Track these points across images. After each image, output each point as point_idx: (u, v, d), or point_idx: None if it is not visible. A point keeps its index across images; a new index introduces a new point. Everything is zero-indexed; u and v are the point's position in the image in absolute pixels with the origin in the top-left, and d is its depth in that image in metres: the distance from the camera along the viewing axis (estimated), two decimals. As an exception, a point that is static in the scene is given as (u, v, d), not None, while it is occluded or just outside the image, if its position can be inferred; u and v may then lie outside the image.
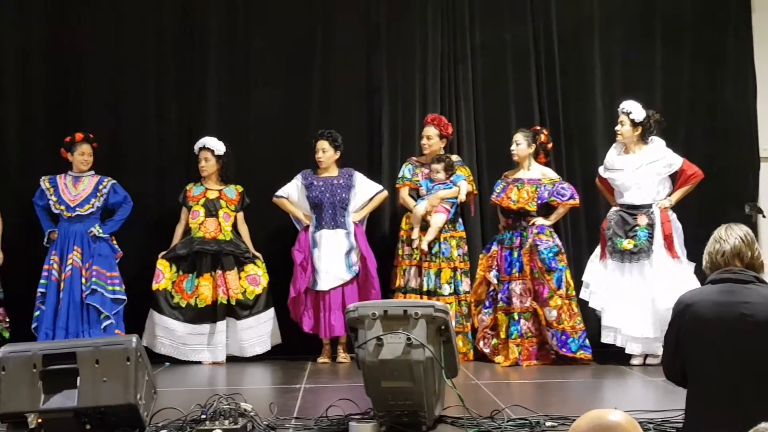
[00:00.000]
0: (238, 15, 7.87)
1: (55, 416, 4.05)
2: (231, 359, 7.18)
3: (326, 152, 7.22)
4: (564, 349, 6.78)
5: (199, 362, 7.10)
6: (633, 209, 6.84)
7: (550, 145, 7.29)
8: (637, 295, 6.70)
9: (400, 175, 7.37)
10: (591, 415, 2.32)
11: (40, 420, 4.05)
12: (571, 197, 7.06)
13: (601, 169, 7.09)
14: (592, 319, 7.07)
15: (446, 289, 7.02)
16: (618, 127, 6.91)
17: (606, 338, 6.82)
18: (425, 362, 4.23)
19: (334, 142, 7.22)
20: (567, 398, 5.80)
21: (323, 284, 7.09)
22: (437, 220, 7.08)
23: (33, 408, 4.04)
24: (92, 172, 7.25)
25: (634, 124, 6.84)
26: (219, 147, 7.33)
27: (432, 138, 7.23)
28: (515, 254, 6.94)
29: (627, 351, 6.74)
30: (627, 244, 6.76)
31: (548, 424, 4.46)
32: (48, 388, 4.07)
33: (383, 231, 7.68)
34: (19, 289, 7.14)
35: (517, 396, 5.71)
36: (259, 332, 7.23)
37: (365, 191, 7.30)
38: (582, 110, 7.82)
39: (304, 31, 7.83)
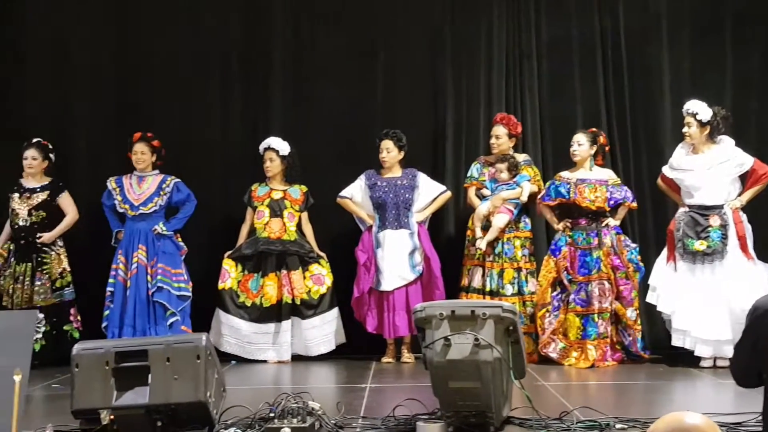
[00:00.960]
0: (302, 16, 7.91)
1: (127, 413, 4.09)
2: (296, 358, 7.22)
3: (390, 152, 7.22)
4: (634, 348, 6.80)
5: (265, 361, 7.16)
6: (704, 210, 6.72)
7: (608, 148, 7.25)
8: (711, 297, 6.58)
9: (468, 174, 7.35)
10: (669, 418, 2.29)
11: (112, 416, 4.10)
12: (633, 200, 7.05)
13: (666, 169, 6.97)
14: (657, 322, 6.97)
15: (509, 290, 6.97)
16: (685, 129, 6.79)
17: (677, 341, 6.71)
18: (493, 363, 4.20)
19: (398, 142, 7.22)
20: (636, 400, 5.72)
21: (387, 284, 7.09)
22: (499, 220, 7.03)
23: (106, 404, 4.09)
24: (156, 172, 7.34)
25: (702, 124, 6.72)
26: (284, 147, 7.37)
27: (501, 137, 7.20)
28: (594, 254, 6.88)
29: (696, 353, 6.62)
30: (699, 245, 6.65)
31: (618, 426, 4.40)
32: (120, 385, 4.12)
33: (449, 231, 7.67)
34: (90, 288, 7.27)
35: (585, 398, 5.63)
36: (323, 332, 7.26)
37: (429, 191, 7.28)
38: (650, 110, 7.71)
39: (369, 31, 7.85)
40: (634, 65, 7.73)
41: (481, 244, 6.98)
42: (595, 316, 6.79)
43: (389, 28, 7.85)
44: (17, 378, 3.30)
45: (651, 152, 7.62)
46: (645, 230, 7.59)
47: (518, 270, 7.05)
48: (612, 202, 6.94)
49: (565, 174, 7.07)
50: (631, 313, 6.79)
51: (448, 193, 7.34)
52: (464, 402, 4.26)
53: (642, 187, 7.37)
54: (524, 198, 7.09)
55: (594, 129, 7.19)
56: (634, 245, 6.93)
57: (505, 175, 7.11)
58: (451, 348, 4.20)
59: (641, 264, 6.89)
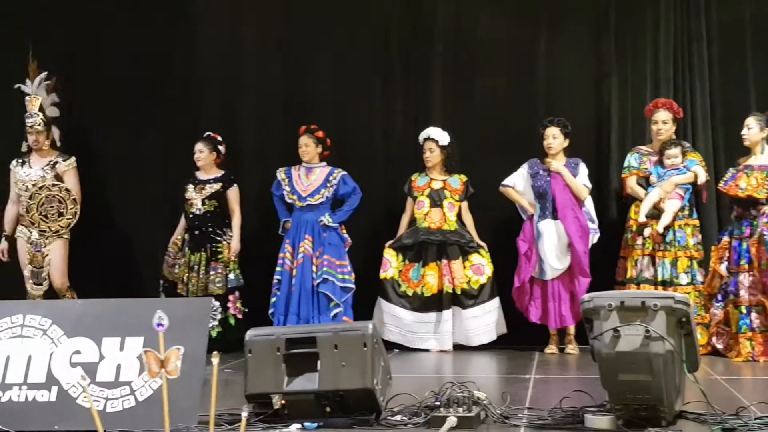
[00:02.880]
0: (461, 4, 7.89)
1: (298, 398, 4.21)
2: (457, 348, 7.23)
3: (557, 138, 7.09)
4: None
5: (427, 350, 7.19)
6: None
7: (786, 131, 6.91)
8: None
9: (626, 164, 7.16)
10: None
11: (283, 401, 4.21)
12: None
13: None
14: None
15: (683, 279, 6.78)
16: None
17: None
18: (665, 355, 4.07)
19: (564, 129, 7.09)
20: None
21: (551, 274, 7.00)
22: (672, 205, 6.83)
23: (277, 389, 4.22)
24: (324, 164, 7.47)
25: None
26: (443, 137, 7.37)
27: (668, 122, 7.00)
28: (744, 245, 6.65)
29: None
30: None
31: (802, 424, 4.19)
32: (291, 371, 4.24)
33: (612, 220, 7.47)
34: (256, 276, 7.47)
35: (759, 392, 5.39)
36: (484, 321, 7.23)
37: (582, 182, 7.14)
38: (829, 91, 7.32)
39: (530, 16, 7.75)
40: (813, 46, 7.36)
41: (659, 227, 6.76)
42: (744, 308, 6.58)
43: (551, 13, 7.72)
44: (215, 360, 3.45)
45: (831, 136, 7.22)
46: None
47: (691, 259, 6.85)
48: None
49: (741, 160, 6.85)
50: None
51: (586, 192, 7.12)
52: (634, 395, 4.15)
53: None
54: (702, 180, 6.86)
55: None
56: None
57: (678, 160, 6.90)
58: (621, 339, 4.10)
59: None
